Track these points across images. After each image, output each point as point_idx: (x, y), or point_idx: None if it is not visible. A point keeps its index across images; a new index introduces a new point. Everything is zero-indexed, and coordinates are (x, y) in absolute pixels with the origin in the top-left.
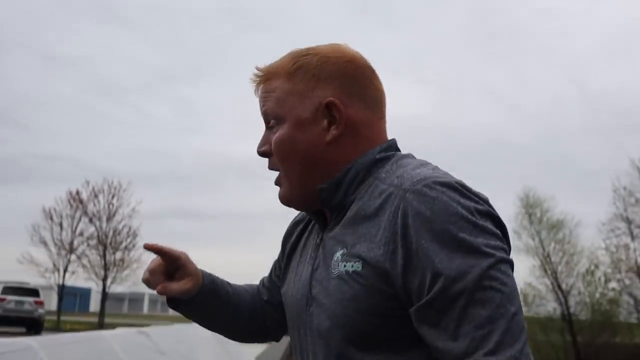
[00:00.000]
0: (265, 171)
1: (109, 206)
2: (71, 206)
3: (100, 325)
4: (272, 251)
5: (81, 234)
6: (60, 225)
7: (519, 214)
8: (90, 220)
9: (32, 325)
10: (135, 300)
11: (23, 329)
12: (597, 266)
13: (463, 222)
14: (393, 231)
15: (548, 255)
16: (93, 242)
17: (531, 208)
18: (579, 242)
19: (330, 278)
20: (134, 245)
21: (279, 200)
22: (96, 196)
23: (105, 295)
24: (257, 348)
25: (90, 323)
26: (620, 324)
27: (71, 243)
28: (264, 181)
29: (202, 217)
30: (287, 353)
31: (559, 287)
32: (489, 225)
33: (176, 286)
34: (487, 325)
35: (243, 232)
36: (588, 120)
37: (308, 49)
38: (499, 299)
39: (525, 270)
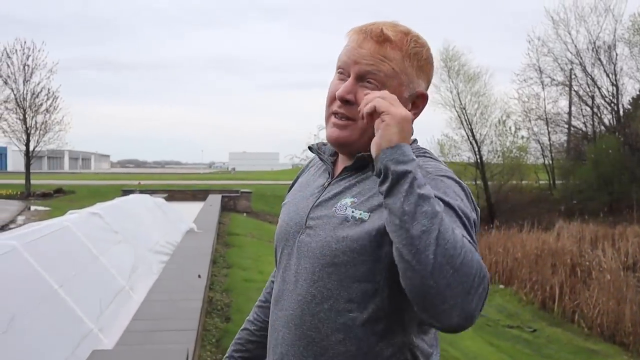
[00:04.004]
0: (185, 15)
1: (24, 67)
2: None
3: (28, 192)
4: (191, 102)
5: None
6: None
7: (438, 67)
8: (6, 83)
9: None
10: (54, 158)
11: None
12: (508, 116)
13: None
14: None
15: (464, 107)
16: (10, 105)
17: (450, 61)
18: (493, 94)
19: (333, 216)
20: (54, 108)
21: (332, 137)
22: (9, 57)
23: (29, 160)
24: (194, 212)
25: (15, 186)
26: (527, 168)
27: None
28: (184, 26)
29: (118, 67)
30: (219, 216)
31: (474, 137)
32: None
33: None
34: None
35: (162, 83)
36: None
37: (416, 34)
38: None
39: (442, 123)
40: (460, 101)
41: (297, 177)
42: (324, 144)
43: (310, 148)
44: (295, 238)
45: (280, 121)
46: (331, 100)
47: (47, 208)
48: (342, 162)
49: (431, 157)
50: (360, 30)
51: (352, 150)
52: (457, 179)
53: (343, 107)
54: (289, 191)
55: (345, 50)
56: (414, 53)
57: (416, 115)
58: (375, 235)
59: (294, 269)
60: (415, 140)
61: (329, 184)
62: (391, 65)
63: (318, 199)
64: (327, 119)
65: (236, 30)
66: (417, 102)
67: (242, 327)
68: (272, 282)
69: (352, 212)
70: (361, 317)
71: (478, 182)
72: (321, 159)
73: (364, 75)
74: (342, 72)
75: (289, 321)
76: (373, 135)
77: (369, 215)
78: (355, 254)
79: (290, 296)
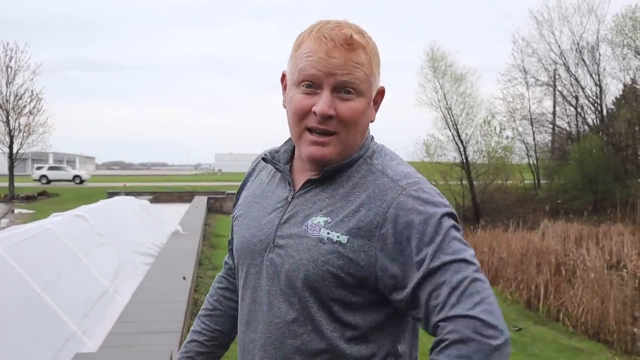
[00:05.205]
0: (171, 15)
1: (7, 69)
2: None
3: (12, 194)
4: (177, 103)
5: None
6: None
7: (424, 68)
8: None
9: None
10: (39, 160)
11: None
12: (493, 116)
13: (444, 229)
14: (384, 217)
15: (450, 108)
16: None
17: (436, 62)
18: (479, 94)
19: (304, 236)
20: (38, 110)
21: (314, 156)
22: None
23: (12, 162)
24: (179, 214)
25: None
26: (512, 168)
27: None
28: (170, 26)
29: (105, 68)
30: (205, 218)
31: (459, 137)
32: (453, 222)
33: None
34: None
35: (148, 84)
36: None
37: (364, 30)
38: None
39: (428, 122)
40: (446, 101)
41: (244, 185)
42: (277, 151)
43: (264, 159)
44: (263, 257)
45: (266, 122)
46: (302, 116)
47: (31, 211)
48: (301, 171)
49: (391, 157)
50: (321, 37)
51: (329, 165)
52: (426, 185)
53: (324, 123)
54: (236, 201)
55: (309, 61)
56: (375, 52)
57: (377, 110)
58: (355, 262)
59: (266, 289)
60: (372, 138)
61: (292, 197)
62: (363, 70)
63: (284, 214)
64: (300, 135)
65: (222, 30)
66: (377, 99)
67: (188, 339)
68: (219, 288)
69: (328, 233)
70: (345, 336)
71: (464, 182)
72: (278, 169)
73: (342, 87)
74: (311, 84)
75: (267, 344)
76: (350, 147)
77: (347, 239)
78: (336, 279)
79: (266, 318)
